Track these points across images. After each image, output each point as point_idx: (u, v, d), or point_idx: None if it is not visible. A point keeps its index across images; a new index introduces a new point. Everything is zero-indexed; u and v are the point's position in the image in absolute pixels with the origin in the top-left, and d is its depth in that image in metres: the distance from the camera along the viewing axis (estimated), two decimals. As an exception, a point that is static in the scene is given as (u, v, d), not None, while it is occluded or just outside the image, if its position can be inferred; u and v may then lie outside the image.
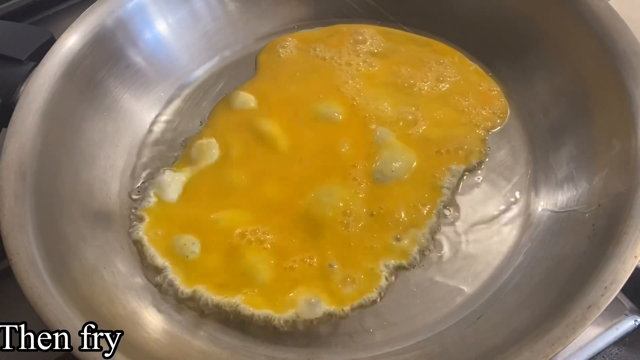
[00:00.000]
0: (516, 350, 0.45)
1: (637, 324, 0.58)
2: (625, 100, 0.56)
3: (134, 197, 0.68)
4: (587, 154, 0.61)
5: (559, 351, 0.43)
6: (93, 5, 0.71)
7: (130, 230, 0.65)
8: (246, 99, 0.74)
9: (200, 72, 0.80)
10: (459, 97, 0.71)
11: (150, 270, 0.62)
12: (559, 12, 0.67)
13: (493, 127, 0.69)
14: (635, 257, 0.47)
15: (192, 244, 0.62)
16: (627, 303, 0.59)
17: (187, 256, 0.62)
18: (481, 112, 0.70)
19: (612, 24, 0.61)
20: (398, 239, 0.61)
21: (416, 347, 0.56)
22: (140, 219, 0.65)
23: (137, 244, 0.64)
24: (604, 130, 0.60)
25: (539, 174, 0.66)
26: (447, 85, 0.73)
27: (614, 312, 0.58)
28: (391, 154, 0.67)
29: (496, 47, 0.74)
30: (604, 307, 0.45)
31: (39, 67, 0.65)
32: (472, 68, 0.75)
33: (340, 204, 0.63)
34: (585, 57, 0.64)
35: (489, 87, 0.72)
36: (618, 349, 0.57)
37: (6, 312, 0.61)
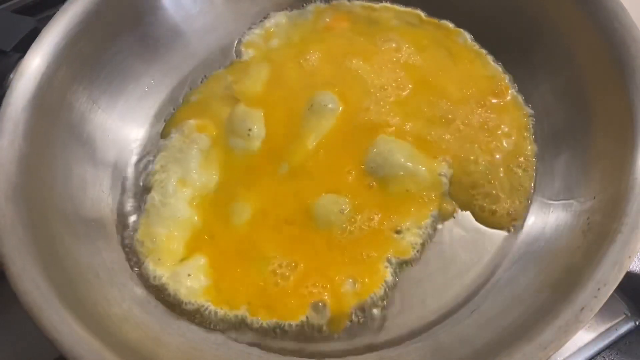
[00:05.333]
0: (508, 353, 0.45)
1: (636, 325, 0.59)
2: (625, 101, 0.56)
3: (127, 193, 0.69)
4: (586, 147, 0.61)
5: (551, 355, 0.44)
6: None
7: (124, 234, 0.66)
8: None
9: (192, 59, 0.79)
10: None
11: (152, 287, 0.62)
12: (566, 9, 0.66)
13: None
14: (629, 256, 0.47)
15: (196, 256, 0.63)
16: (627, 304, 0.59)
17: (190, 271, 0.62)
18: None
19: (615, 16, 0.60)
20: (399, 233, 0.62)
21: (414, 342, 0.57)
22: (135, 223, 0.66)
23: (134, 252, 0.64)
24: (603, 126, 0.60)
25: (536, 164, 0.66)
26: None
27: (614, 313, 0.59)
28: (390, 146, 0.66)
29: (502, 43, 0.73)
30: (597, 310, 0.45)
31: (25, 59, 0.65)
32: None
33: (339, 202, 0.63)
34: (587, 55, 0.63)
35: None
36: (618, 349, 0.58)
37: (4, 313, 0.62)
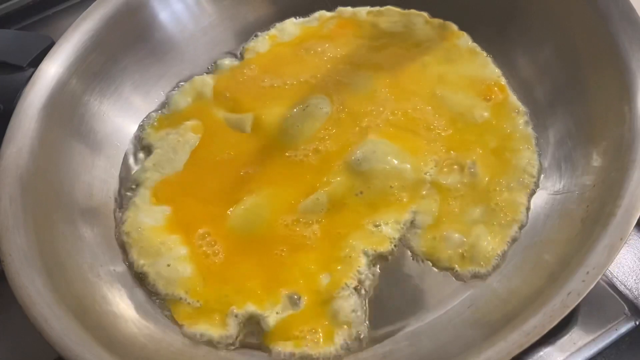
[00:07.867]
0: (490, 343, 0.44)
1: (636, 325, 0.56)
2: (621, 73, 0.55)
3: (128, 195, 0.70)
4: (584, 131, 0.60)
5: (535, 340, 0.42)
6: (91, 7, 0.72)
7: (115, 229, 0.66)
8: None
9: (200, 71, 0.80)
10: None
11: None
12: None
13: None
14: (621, 238, 0.46)
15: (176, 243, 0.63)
16: (627, 304, 0.57)
17: (169, 261, 0.62)
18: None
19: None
20: (377, 227, 0.61)
21: (405, 338, 0.55)
22: (124, 217, 0.66)
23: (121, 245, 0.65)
24: (600, 106, 0.58)
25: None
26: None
27: (614, 313, 0.57)
28: (377, 144, 0.65)
29: (479, 16, 0.73)
30: (585, 293, 0.44)
31: (38, 70, 0.68)
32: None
33: (320, 198, 0.63)
34: (577, 23, 0.63)
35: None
36: (618, 349, 0.56)
37: (4, 313, 0.63)
